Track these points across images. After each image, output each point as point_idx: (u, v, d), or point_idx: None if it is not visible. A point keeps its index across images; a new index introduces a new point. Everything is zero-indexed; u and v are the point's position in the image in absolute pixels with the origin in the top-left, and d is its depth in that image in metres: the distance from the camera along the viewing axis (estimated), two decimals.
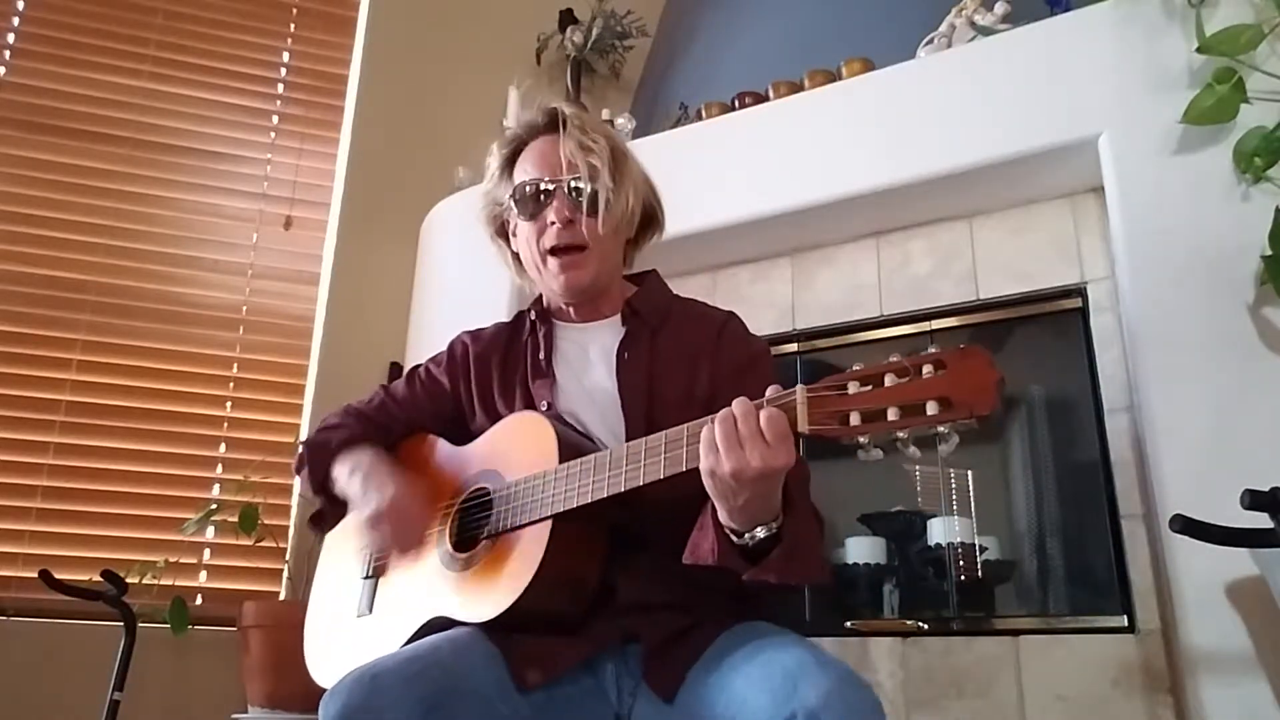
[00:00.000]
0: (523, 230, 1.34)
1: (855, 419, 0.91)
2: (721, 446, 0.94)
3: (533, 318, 1.39)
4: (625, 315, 1.33)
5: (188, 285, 2.75)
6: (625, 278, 1.42)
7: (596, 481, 1.08)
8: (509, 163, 1.37)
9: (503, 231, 1.42)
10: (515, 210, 1.33)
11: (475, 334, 1.45)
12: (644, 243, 1.43)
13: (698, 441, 0.98)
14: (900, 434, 0.91)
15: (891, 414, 0.89)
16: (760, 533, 0.99)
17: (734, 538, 1.01)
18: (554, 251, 1.30)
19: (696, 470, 0.98)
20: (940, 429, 0.89)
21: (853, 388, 0.92)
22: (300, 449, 1.41)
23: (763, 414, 0.94)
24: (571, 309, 1.37)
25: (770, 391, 0.97)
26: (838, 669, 0.94)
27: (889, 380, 0.91)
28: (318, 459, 1.35)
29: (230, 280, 2.80)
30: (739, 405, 0.96)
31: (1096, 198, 1.95)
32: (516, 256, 1.41)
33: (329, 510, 1.38)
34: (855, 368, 0.94)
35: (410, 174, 2.95)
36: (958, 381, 0.87)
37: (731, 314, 1.37)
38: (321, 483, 1.35)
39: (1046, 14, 2.00)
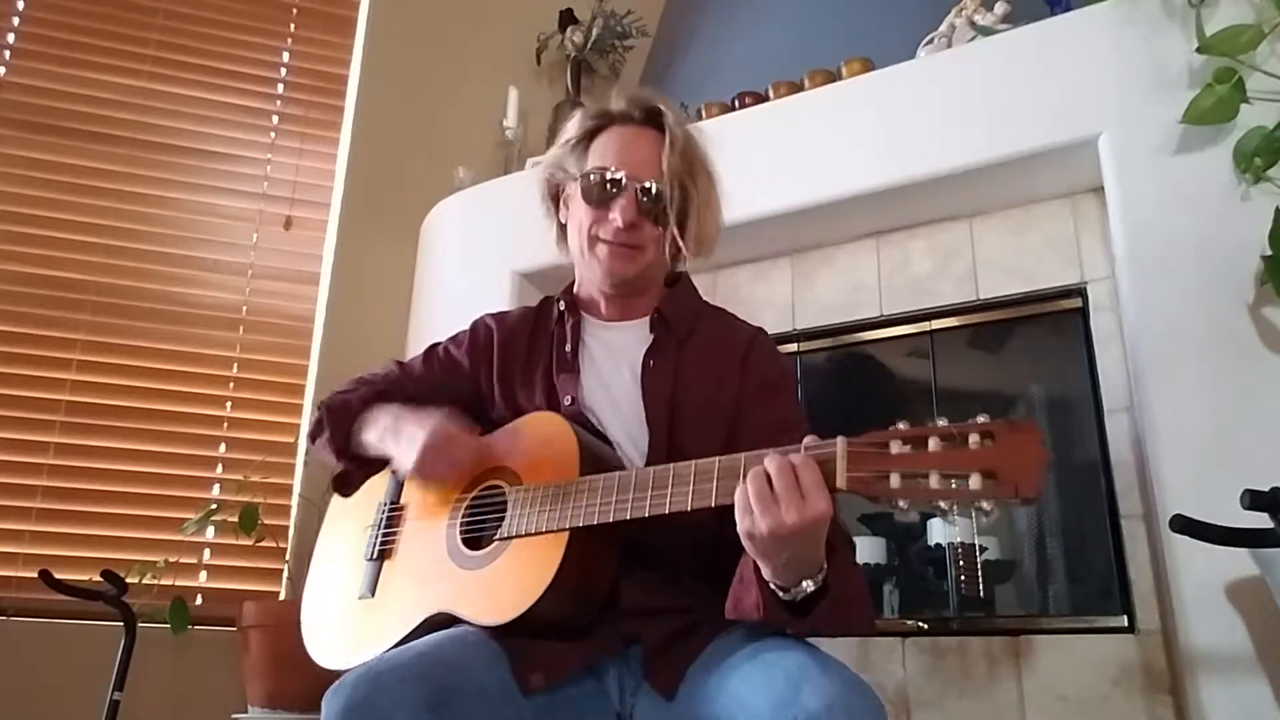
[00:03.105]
0: (580, 210, 1.31)
1: (895, 480, 0.88)
2: (756, 509, 0.92)
3: (561, 307, 1.37)
4: (654, 322, 1.32)
5: (188, 285, 2.74)
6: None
7: (619, 502, 1.07)
8: (589, 137, 1.35)
9: (555, 195, 1.40)
10: (580, 191, 1.30)
11: (500, 317, 1.42)
12: (691, 259, 1.42)
13: (727, 478, 0.97)
14: (941, 504, 0.87)
15: (933, 481, 0.86)
16: (808, 586, 0.97)
17: (780, 594, 0.99)
18: (607, 242, 1.28)
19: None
20: (982, 504, 0.85)
21: (895, 447, 0.89)
22: (317, 412, 1.37)
23: (797, 464, 0.92)
24: (603, 302, 1.36)
25: (809, 440, 0.95)
26: (840, 674, 0.94)
27: (933, 444, 0.87)
28: (339, 420, 1.32)
29: (230, 280, 2.80)
30: (772, 462, 0.93)
31: (1096, 198, 1.95)
32: (563, 228, 1.39)
33: (353, 470, 1.36)
34: (899, 426, 0.91)
35: (410, 174, 2.94)
36: (1005, 456, 0.84)
37: (760, 330, 1.36)
38: (343, 445, 1.32)
39: (1046, 14, 2.01)
